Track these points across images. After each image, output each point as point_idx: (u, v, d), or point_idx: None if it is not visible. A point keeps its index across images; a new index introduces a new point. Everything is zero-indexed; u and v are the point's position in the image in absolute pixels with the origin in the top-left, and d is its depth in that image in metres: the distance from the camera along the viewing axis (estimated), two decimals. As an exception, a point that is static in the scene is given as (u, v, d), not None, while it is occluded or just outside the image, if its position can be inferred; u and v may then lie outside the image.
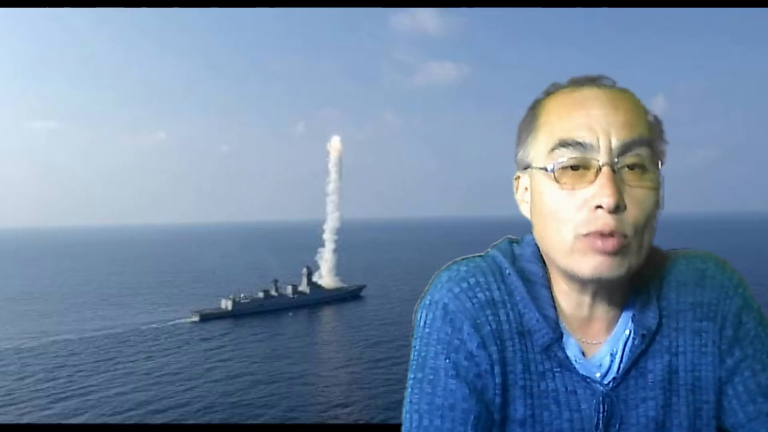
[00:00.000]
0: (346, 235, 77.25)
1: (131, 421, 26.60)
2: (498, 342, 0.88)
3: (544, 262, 0.92)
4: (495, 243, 0.99)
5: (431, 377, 0.88)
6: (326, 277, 66.08)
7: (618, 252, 0.80)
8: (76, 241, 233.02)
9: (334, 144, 70.61)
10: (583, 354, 0.89)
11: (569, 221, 0.81)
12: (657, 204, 0.83)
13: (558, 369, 0.88)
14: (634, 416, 0.88)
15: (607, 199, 0.77)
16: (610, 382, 0.88)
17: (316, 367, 36.23)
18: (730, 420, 0.89)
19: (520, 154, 0.90)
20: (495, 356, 0.87)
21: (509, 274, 0.91)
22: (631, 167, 0.81)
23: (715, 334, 0.89)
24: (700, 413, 0.89)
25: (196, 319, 50.39)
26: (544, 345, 0.87)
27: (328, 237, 68.08)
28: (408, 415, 0.88)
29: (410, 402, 0.88)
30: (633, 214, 0.80)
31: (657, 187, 0.83)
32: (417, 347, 0.91)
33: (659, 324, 0.89)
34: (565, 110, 0.83)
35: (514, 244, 0.97)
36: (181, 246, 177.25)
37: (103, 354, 39.44)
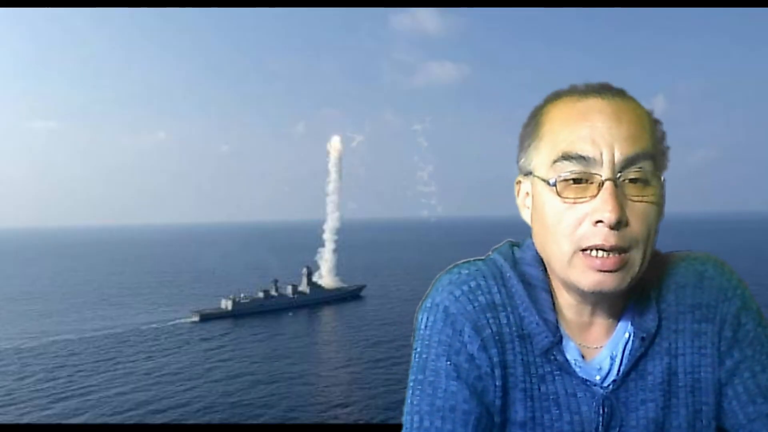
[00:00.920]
0: (346, 235, 77.21)
1: (131, 421, 26.63)
2: (498, 345, 0.88)
3: (544, 265, 0.92)
4: (496, 246, 0.99)
5: (432, 379, 0.88)
6: (326, 277, 66.09)
7: (618, 269, 0.80)
8: (76, 241, 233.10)
9: (334, 144, 70.70)
10: (583, 357, 0.90)
11: (569, 234, 0.81)
12: (658, 216, 0.84)
13: (558, 372, 0.89)
14: (634, 418, 0.88)
15: (609, 215, 0.77)
16: (610, 384, 0.89)
17: (316, 367, 36.25)
18: (730, 421, 0.90)
19: (523, 160, 0.90)
20: (495, 359, 0.88)
21: (510, 277, 0.92)
22: (633, 181, 0.81)
23: (715, 336, 0.90)
24: (700, 415, 0.89)
25: (196, 319, 50.40)
26: (544, 348, 0.88)
27: (328, 237, 68.12)
28: (409, 417, 0.88)
29: (411, 403, 0.89)
30: (634, 228, 0.80)
31: (659, 201, 0.83)
32: (418, 349, 0.91)
33: (659, 326, 0.90)
34: (569, 121, 0.83)
35: (515, 248, 0.97)
36: (181, 246, 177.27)
37: (103, 354, 39.46)
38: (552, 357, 0.88)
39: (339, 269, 67.37)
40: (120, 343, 42.45)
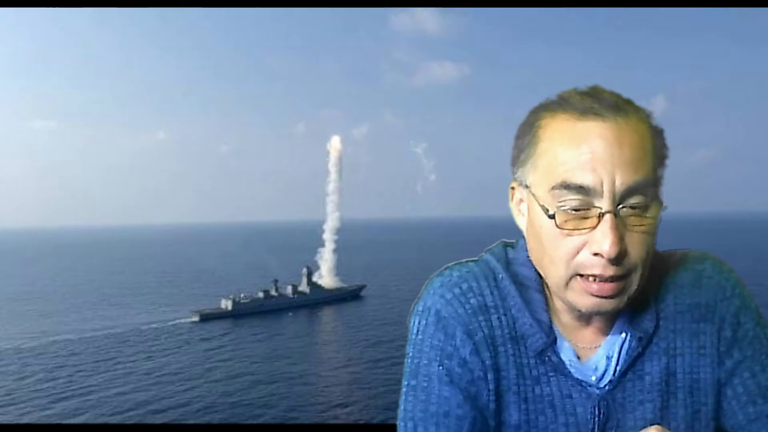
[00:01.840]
0: (346, 235, 77.21)
1: (131, 421, 26.63)
2: (491, 348, 0.87)
3: None
4: (489, 247, 0.98)
5: (425, 384, 0.87)
6: (326, 277, 66.08)
7: (615, 294, 0.80)
8: (76, 241, 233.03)
9: (334, 144, 70.73)
10: (578, 358, 0.89)
11: (567, 261, 0.80)
12: (655, 236, 0.82)
13: (552, 373, 0.88)
14: (632, 419, 0.87)
15: (609, 249, 0.76)
16: (606, 385, 0.88)
17: (316, 367, 36.26)
18: (729, 422, 0.89)
19: (519, 173, 0.88)
20: (488, 362, 0.87)
21: (502, 278, 0.91)
22: (633, 207, 0.79)
23: (713, 336, 0.89)
24: (699, 415, 0.89)
25: (196, 319, 50.39)
26: (537, 350, 0.87)
27: (328, 237, 68.11)
28: (402, 423, 0.88)
29: (404, 409, 0.88)
30: (633, 256, 0.79)
31: (657, 227, 0.82)
32: (410, 354, 0.91)
33: (657, 326, 0.89)
34: (569, 143, 0.79)
35: (509, 248, 0.96)
36: (181, 246, 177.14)
37: (103, 354, 39.45)
38: (546, 358, 0.87)
39: (339, 269, 67.37)
40: (120, 343, 42.45)
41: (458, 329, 0.88)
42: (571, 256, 0.80)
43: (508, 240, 0.99)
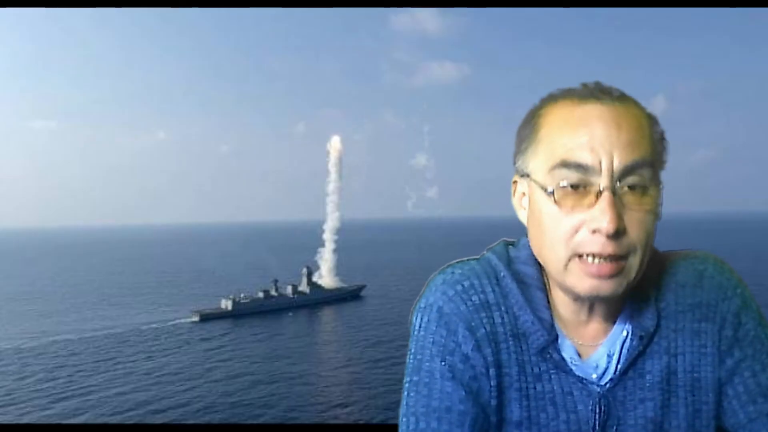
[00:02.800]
0: (346, 235, 77.24)
1: (131, 421, 26.62)
2: (493, 344, 0.88)
3: (540, 264, 0.91)
4: (491, 246, 0.99)
5: (427, 380, 0.88)
6: (326, 277, 66.09)
7: (615, 275, 0.80)
8: (76, 241, 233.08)
9: (334, 144, 70.74)
10: (579, 355, 0.90)
11: (566, 241, 0.81)
12: (656, 221, 0.83)
13: (554, 371, 0.88)
14: (632, 417, 0.88)
15: (607, 225, 0.77)
16: (607, 383, 0.88)
17: (316, 367, 36.25)
18: (730, 420, 0.89)
19: (520, 162, 0.89)
20: (490, 358, 0.88)
21: (504, 276, 0.92)
22: (632, 188, 0.80)
23: (715, 335, 0.89)
24: (700, 414, 0.89)
25: (196, 319, 50.39)
26: (539, 347, 0.88)
27: (328, 237, 68.14)
28: (405, 418, 0.88)
29: (407, 405, 0.89)
30: (632, 236, 0.80)
31: (656, 207, 0.82)
32: (412, 350, 0.91)
33: (658, 325, 0.89)
34: (567, 126, 0.81)
35: (510, 247, 0.97)
36: (181, 246, 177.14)
37: (103, 354, 39.45)
38: (548, 355, 0.88)
39: (339, 269, 67.37)
40: (120, 343, 42.44)
41: (460, 326, 0.88)
42: (570, 235, 0.80)
43: (510, 239, 1.00)
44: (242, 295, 55.34)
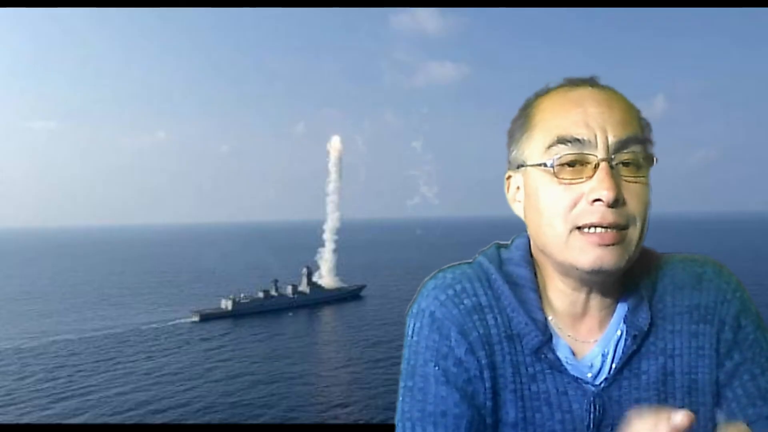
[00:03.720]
0: (346, 235, 77.21)
1: (131, 421, 26.61)
2: (486, 347, 0.89)
3: (533, 265, 0.93)
4: (483, 249, 0.99)
5: (421, 385, 0.88)
6: (326, 277, 66.06)
7: (616, 243, 0.81)
8: (76, 241, 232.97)
9: (334, 144, 70.68)
10: (574, 355, 0.90)
11: (565, 214, 0.82)
12: (649, 196, 0.85)
13: (549, 371, 0.88)
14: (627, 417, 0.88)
15: (607, 193, 0.79)
16: (601, 382, 0.88)
17: (316, 367, 36.24)
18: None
19: (514, 153, 0.91)
20: (484, 361, 0.88)
21: (495, 279, 0.92)
22: (626, 164, 0.82)
23: (713, 337, 0.89)
24: (697, 415, 0.88)
25: (196, 319, 50.35)
26: (533, 348, 0.88)
27: (328, 237, 68.09)
28: (400, 424, 0.89)
29: (402, 410, 0.89)
30: (630, 207, 0.82)
31: (649, 184, 0.85)
32: (406, 356, 0.92)
33: (654, 325, 0.89)
34: (562, 108, 0.84)
35: (502, 249, 0.98)
36: (181, 246, 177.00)
37: (103, 354, 39.41)
38: (542, 356, 0.88)
39: (339, 269, 67.33)
40: (120, 343, 42.41)
41: (453, 329, 0.89)
42: (570, 208, 0.82)
43: (503, 241, 1.00)
44: (242, 295, 55.29)
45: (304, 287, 59.90)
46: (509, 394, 0.88)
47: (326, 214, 68.93)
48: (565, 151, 0.82)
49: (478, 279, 0.92)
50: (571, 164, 0.82)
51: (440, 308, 0.90)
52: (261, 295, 56.14)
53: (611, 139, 0.81)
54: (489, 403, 0.88)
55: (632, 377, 0.89)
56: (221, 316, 51.79)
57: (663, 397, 0.88)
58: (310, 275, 61.25)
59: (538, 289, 0.91)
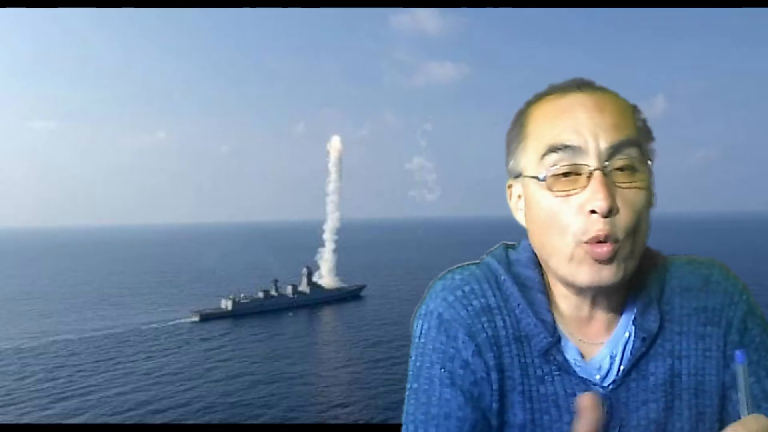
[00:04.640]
0: (346, 235, 77.20)
1: (131, 421, 26.61)
2: (495, 348, 0.88)
3: (540, 267, 0.92)
4: (490, 249, 0.98)
5: (426, 387, 0.88)
6: (326, 277, 66.05)
7: (612, 258, 0.80)
8: (76, 241, 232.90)
9: (334, 144, 70.67)
10: (582, 357, 0.90)
11: (568, 228, 0.81)
12: (649, 203, 0.84)
13: (557, 372, 0.88)
14: (635, 418, 0.88)
15: (600, 203, 0.78)
16: (610, 384, 0.88)
17: (316, 367, 36.22)
18: None
19: (511, 163, 0.91)
20: (491, 363, 0.88)
21: (504, 280, 0.92)
22: (621, 169, 0.81)
23: (720, 339, 0.89)
24: (703, 417, 0.89)
25: (196, 319, 50.33)
26: (542, 349, 0.88)
27: (328, 237, 68.07)
28: (405, 426, 0.89)
29: (407, 412, 0.90)
30: (625, 216, 0.80)
31: (648, 186, 0.83)
32: (413, 357, 0.92)
33: (662, 327, 0.89)
34: (552, 116, 0.84)
35: (510, 250, 0.97)
36: (181, 246, 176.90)
37: (103, 354, 39.39)
38: (551, 357, 0.88)
39: (339, 269, 67.32)
40: (120, 343, 42.39)
41: (460, 331, 0.88)
42: (570, 221, 0.81)
43: (509, 242, 0.99)
44: (242, 295, 55.25)
45: (304, 287, 59.87)
46: (517, 395, 0.88)
47: (326, 214, 68.99)
48: (558, 160, 0.81)
49: (487, 280, 0.92)
50: (566, 175, 0.81)
51: (448, 310, 0.90)
52: (261, 295, 56.11)
53: (604, 145, 0.80)
54: (496, 405, 0.88)
55: (640, 379, 0.88)
56: (221, 316, 51.76)
57: (670, 399, 0.88)
58: (310, 275, 61.22)
59: (546, 291, 0.91)
